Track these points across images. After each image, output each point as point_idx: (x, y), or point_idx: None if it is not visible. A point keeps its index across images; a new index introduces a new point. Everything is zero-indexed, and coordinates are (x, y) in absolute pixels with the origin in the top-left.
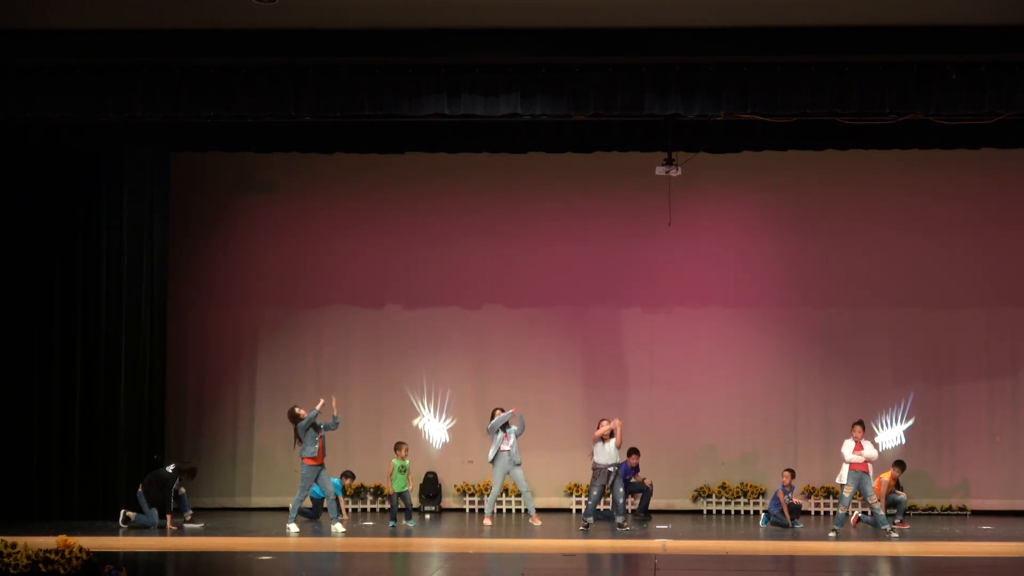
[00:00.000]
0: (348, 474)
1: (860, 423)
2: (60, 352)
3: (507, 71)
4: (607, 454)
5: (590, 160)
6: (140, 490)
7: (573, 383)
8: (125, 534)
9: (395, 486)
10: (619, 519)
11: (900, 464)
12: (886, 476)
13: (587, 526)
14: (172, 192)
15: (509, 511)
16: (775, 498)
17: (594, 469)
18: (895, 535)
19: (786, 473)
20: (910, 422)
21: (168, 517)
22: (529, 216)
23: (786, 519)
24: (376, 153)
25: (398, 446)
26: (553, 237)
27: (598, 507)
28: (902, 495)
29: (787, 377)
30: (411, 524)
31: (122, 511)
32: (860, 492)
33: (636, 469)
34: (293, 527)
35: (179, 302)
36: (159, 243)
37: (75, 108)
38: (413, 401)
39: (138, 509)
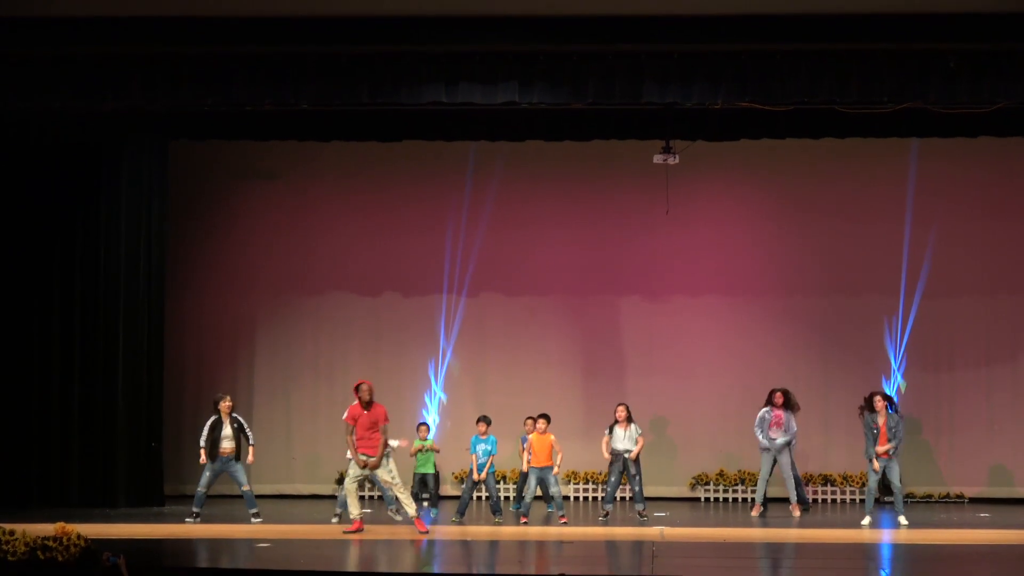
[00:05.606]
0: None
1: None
2: (59, 340)
3: (505, 59)
4: (623, 440)
5: (588, 148)
6: None
7: (572, 372)
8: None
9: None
10: (638, 507)
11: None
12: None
13: (607, 514)
14: (171, 180)
15: (507, 498)
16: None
17: (612, 454)
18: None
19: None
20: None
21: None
22: (527, 204)
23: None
24: (374, 141)
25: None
26: (551, 225)
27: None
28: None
29: (786, 365)
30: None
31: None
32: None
33: None
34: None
35: (178, 290)
36: (158, 231)
37: (74, 98)
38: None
39: None
